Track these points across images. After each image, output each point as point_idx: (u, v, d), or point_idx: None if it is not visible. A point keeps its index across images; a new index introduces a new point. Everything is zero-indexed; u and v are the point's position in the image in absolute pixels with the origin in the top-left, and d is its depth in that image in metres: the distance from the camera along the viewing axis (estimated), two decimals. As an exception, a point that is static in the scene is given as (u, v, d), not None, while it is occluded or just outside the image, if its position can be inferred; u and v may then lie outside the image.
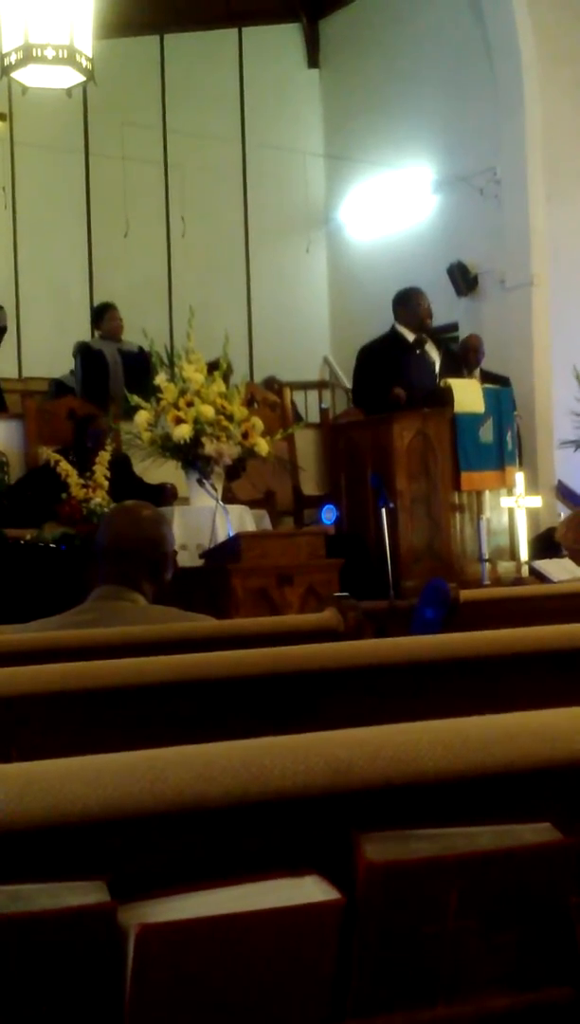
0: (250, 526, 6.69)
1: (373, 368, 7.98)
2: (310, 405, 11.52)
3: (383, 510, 6.71)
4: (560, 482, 10.00)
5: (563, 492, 9.94)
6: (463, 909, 1.26)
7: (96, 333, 9.80)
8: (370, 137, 12.23)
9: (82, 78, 6.78)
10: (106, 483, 6.85)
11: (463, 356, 9.06)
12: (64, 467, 6.82)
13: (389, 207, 12.09)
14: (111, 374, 9.04)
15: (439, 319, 9.05)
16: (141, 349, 8.29)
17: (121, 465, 7.20)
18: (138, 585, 3.08)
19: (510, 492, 7.74)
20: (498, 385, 8.44)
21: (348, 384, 10.73)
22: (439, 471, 7.57)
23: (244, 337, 12.64)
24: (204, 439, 6.38)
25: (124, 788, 1.18)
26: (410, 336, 7.99)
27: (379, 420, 7.62)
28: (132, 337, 9.12)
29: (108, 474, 6.90)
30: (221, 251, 12.93)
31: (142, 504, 3.43)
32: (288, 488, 8.72)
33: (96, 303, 10.74)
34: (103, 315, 9.51)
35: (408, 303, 8.07)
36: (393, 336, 8.05)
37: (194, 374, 6.51)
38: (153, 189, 12.72)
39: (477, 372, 9.04)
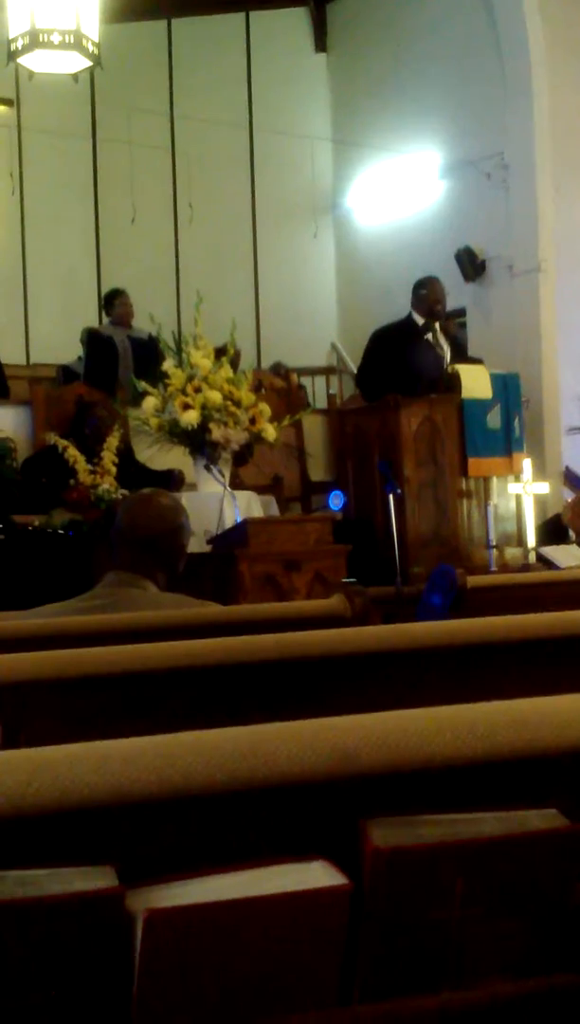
0: (257, 512, 6.69)
1: (382, 353, 7.96)
2: (318, 391, 11.51)
3: (390, 496, 6.71)
4: (567, 468, 9.98)
5: (570, 478, 9.92)
6: (469, 895, 1.26)
7: (105, 319, 9.79)
8: (378, 122, 12.19)
9: (89, 63, 6.76)
10: (114, 469, 6.85)
11: (428, 309, 8.39)
12: (72, 453, 6.82)
13: (397, 192, 12.06)
14: (120, 360, 9.04)
15: (447, 305, 9.01)
16: (151, 336, 8.28)
17: (124, 452, 7.21)
18: (151, 573, 3.06)
19: (517, 478, 7.74)
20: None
21: (355, 370, 10.72)
22: (446, 457, 7.57)
23: (251, 323, 12.63)
24: (211, 425, 6.38)
25: (132, 774, 1.19)
26: (421, 322, 7.99)
27: (386, 406, 7.61)
28: (140, 323, 9.12)
29: (116, 460, 6.91)
30: (228, 237, 12.90)
31: (161, 492, 3.40)
32: (295, 474, 8.72)
33: (105, 289, 10.74)
34: (113, 301, 9.50)
35: (419, 290, 8.07)
36: (407, 322, 8.05)
37: (202, 360, 6.51)
38: (160, 175, 12.70)
39: (437, 325, 8.42)
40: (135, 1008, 1.16)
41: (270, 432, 6.60)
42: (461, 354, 8.53)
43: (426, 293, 8.04)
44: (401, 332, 7.97)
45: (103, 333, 9.39)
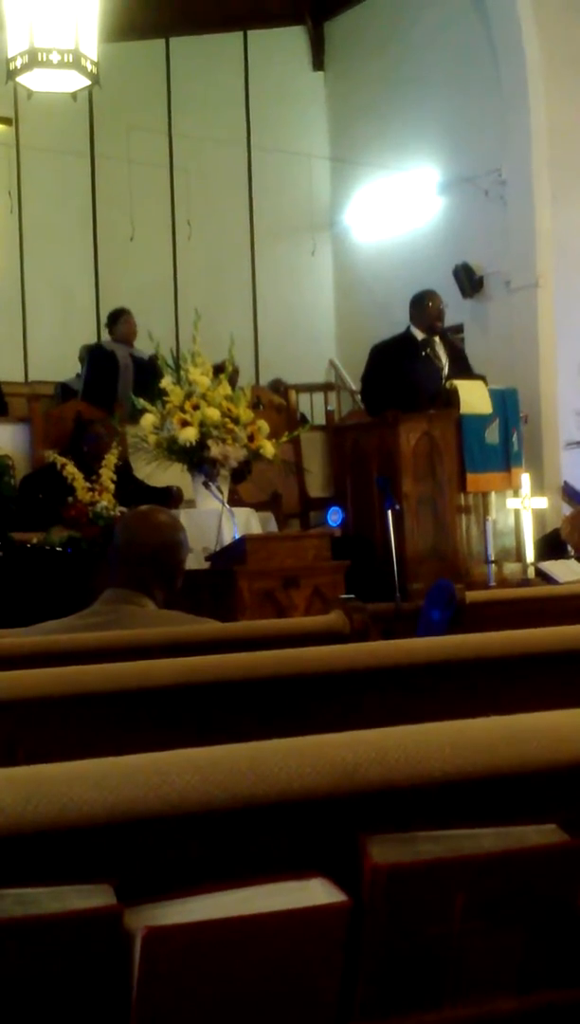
0: (256, 528, 6.69)
1: (382, 367, 7.96)
2: (316, 407, 11.52)
3: (389, 512, 6.70)
4: (566, 483, 9.99)
5: (569, 493, 9.93)
6: (469, 911, 1.26)
7: (106, 337, 9.80)
8: (375, 139, 12.24)
9: (87, 82, 6.78)
10: (112, 486, 6.85)
11: (428, 323, 8.41)
12: (70, 470, 6.83)
13: (394, 209, 12.09)
14: (121, 377, 9.05)
15: (445, 320, 9.03)
16: (151, 358, 8.29)
17: (122, 469, 7.21)
18: (149, 590, 3.05)
19: (516, 493, 7.74)
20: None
21: (354, 386, 10.73)
22: (445, 472, 7.57)
23: (250, 340, 12.64)
24: (210, 442, 6.39)
25: (130, 791, 1.18)
26: (420, 337, 7.99)
27: (385, 422, 7.62)
28: (138, 340, 9.13)
29: (114, 477, 6.91)
30: (227, 254, 12.93)
31: (159, 509, 3.39)
32: (294, 490, 8.72)
33: (105, 306, 10.75)
34: (118, 319, 9.51)
35: (419, 304, 8.07)
36: (406, 337, 8.05)
37: (200, 377, 6.52)
38: (159, 192, 12.73)
39: (436, 339, 8.47)
40: (134, 1026, 1.16)
41: (268, 449, 6.61)
42: (464, 367, 8.52)
43: (428, 307, 8.04)
44: (400, 347, 7.97)
45: (106, 348, 9.40)
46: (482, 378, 8.81)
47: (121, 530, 3.20)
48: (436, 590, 3.86)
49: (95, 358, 9.41)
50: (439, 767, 1.28)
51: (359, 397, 9.11)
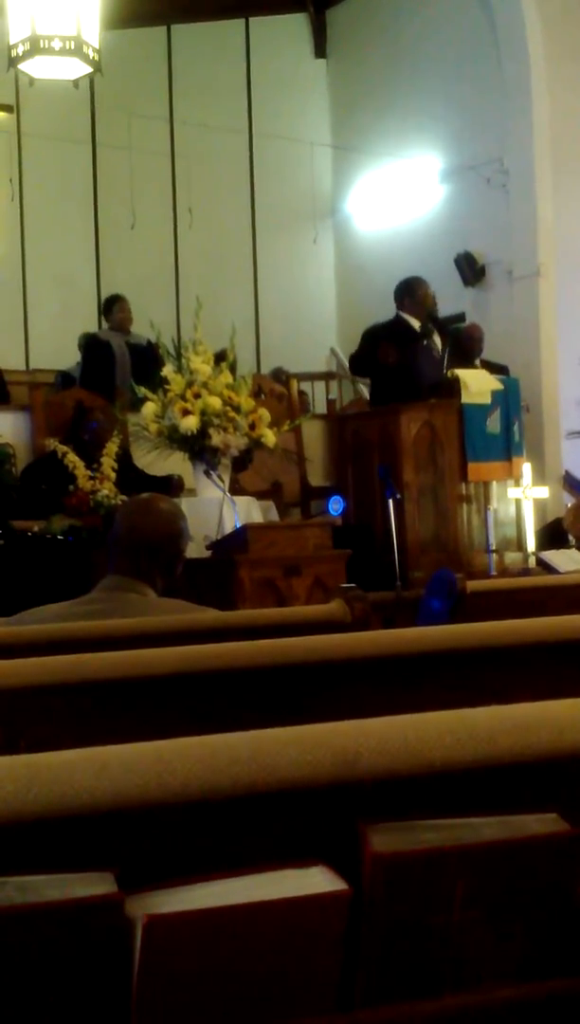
0: (257, 517, 6.69)
1: (376, 346, 7.91)
2: (317, 396, 11.52)
3: (390, 501, 6.71)
4: (567, 472, 9.99)
5: (570, 482, 9.94)
6: (469, 900, 1.26)
7: (105, 324, 9.80)
8: (377, 127, 12.21)
9: (89, 69, 6.77)
10: (113, 475, 6.85)
11: (467, 345, 9.01)
12: (71, 459, 6.82)
13: (396, 197, 12.07)
14: (117, 365, 9.04)
15: (446, 309, 9.04)
16: (149, 343, 8.27)
17: (122, 458, 7.21)
18: (149, 578, 3.05)
19: (517, 483, 7.74)
20: (499, 375, 8.41)
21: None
22: (446, 462, 7.57)
23: (251, 328, 12.64)
24: (211, 430, 6.38)
25: (131, 779, 1.18)
26: (416, 324, 7.96)
27: (386, 411, 7.61)
28: (139, 328, 9.12)
29: (115, 466, 6.91)
30: (228, 242, 12.92)
31: (160, 497, 3.40)
32: (295, 479, 8.72)
33: (104, 295, 10.74)
34: (112, 307, 9.50)
35: (414, 292, 8.03)
36: (398, 323, 8.01)
37: (201, 365, 6.51)
38: (160, 180, 12.72)
39: (478, 363, 8.99)
40: (134, 1014, 1.16)
41: (269, 437, 6.60)
42: (467, 358, 8.53)
43: (422, 295, 8.02)
44: (395, 333, 7.92)
45: (101, 337, 9.40)
46: (503, 367, 8.86)
47: (121, 518, 3.20)
48: (437, 581, 3.86)
49: (89, 348, 9.41)
50: (440, 756, 1.28)
51: (350, 368, 9.09)
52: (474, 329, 9.29)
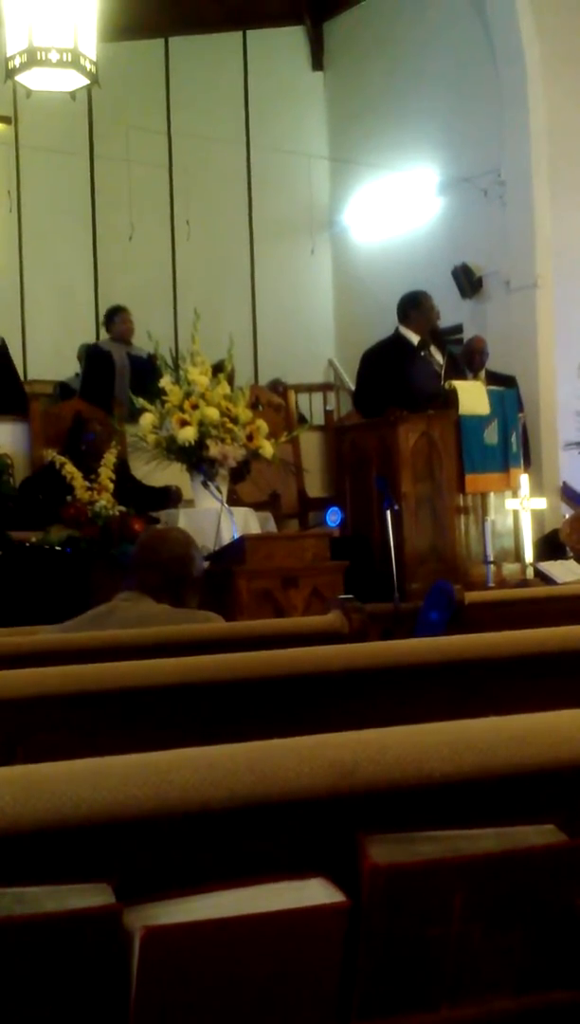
0: (255, 528, 6.69)
1: (376, 373, 7.95)
2: (315, 407, 11.52)
3: (388, 512, 6.70)
4: (565, 484, 9.99)
5: (568, 494, 9.94)
6: (468, 911, 1.26)
7: (104, 336, 9.80)
8: (374, 139, 12.24)
9: (86, 81, 6.77)
10: (111, 485, 6.85)
11: (468, 358, 9.06)
12: (69, 469, 6.82)
13: (393, 209, 12.09)
14: (117, 376, 9.04)
15: (444, 321, 9.05)
16: (149, 355, 8.27)
17: (120, 469, 7.21)
18: (157, 596, 3.21)
19: (515, 494, 7.73)
20: (503, 387, 8.42)
21: (353, 386, 10.72)
22: (444, 473, 7.57)
23: (249, 340, 12.64)
24: (209, 441, 6.38)
25: (129, 790, 1.18)
26: (414, 339, 7.97)
27: (384, 422, 7.61)
28: (137, 340, 9.13)
29: (113, 476, 6.91)
30: (226, 254, 12.93)
31: (176, 528, 3.85)
32: (293, 490, 8.72)
33: (104, 306, 10.75)
34: (114, 318, 9.50)
35: (420, 307, 8.01)
36: (397, 339, 8.01)
37: (199, 376, 6.52)
38: (158, 192, 12.73)
39: (482, 374, 9.04)
40: (133, 1026, 1.15)
41: (267, 448, 6.60)
42: (462, 370, 8.55)
43: (426, 310, 8.02)
44: (394, 350, 7.94)
45: (102, 348, 9.40)
46: (509, 378, 8.89)
47: (139, 542, 3.53)
48: (435, 592, 3.86)
49: (91, 358, 9.41)
50: (438, 767, 1.28)
51: (353, 402, 9.14)
52: (477, 341, 9.31)
